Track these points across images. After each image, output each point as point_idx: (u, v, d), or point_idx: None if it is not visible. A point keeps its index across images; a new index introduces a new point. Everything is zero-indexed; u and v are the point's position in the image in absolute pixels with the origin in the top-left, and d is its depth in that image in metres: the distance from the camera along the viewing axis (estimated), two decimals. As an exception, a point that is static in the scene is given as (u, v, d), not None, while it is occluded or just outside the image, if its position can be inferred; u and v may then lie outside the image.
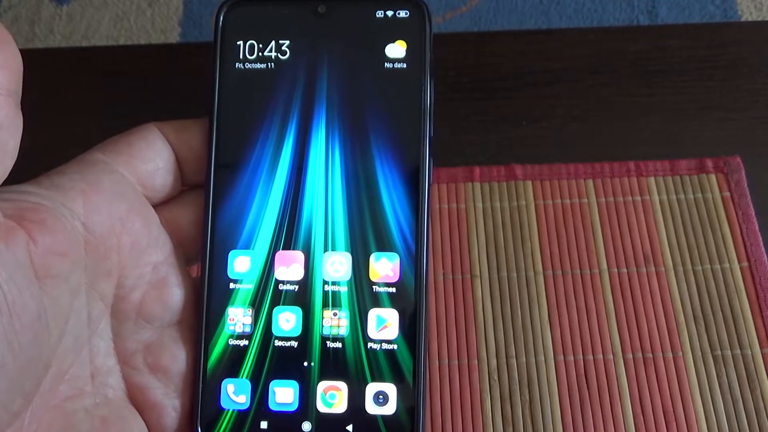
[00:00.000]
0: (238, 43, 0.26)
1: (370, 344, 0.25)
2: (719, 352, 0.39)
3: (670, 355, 0.39)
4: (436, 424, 0.38)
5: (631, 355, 0.39)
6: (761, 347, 0.39)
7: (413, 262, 0.25)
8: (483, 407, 0.38)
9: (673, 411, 0.38)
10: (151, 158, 0.24)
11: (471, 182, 0.44)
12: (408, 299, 0.25)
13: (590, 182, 0.44)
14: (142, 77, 0.50)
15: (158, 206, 0.25)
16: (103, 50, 0.67)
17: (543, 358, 0.40)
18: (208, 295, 0.25)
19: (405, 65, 0.25)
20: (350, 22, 0.26)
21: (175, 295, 0.25)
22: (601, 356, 0.40)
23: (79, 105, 0.49)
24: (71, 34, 1.09)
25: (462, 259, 0.42)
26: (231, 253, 0.25)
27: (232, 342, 0.25)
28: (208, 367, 0.25)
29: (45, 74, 0.49)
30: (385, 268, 0.25)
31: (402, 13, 0.26)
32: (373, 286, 0.25)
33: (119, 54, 0.57)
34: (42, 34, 1.09)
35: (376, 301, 0.25)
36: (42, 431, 0.21)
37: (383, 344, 0.25)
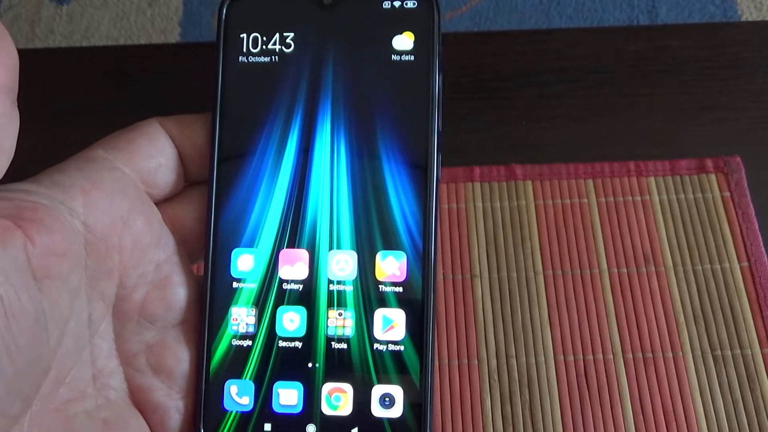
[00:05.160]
0: (241, 36, 0.25)
1: (376, 345, 0.24)
2: (719, 352, 0.39)
3: (670, 355, 0.39)
4: (437, 424, 0.38)
5: (631, 355, 0.39)
6: (761, 347, 0.39)
7: (421, 261, 0.24)
8: (483, 407, 0.38)
9: (673, 411, 0.38)
10: (153, 155, 0.24)
11: (471, 182, 0.44)
12: (415, 299, 0.24)
13: (590, 182, 0.44)
14: (142, 77, 0.50)
15: (160, 203, 0.25)
16: (103, 50, 0.67)
17: (543, 358, 0.39)
18: (210, 295, 0.25)
19: (412, 57, 0.25)
20: (356, 14, 0.25)
21: (178, 294, 0.24)
22: (601, 356, 0.40)
23: (79, 105, 0.49)
24: (71, 34, 1.09)
25: (462, 259, 0.42)
26: (234, 252, 0.25)
27: (235, 342, 0.25)
28: (211, 368, 0.24)
29: (45, 74, 0.49)
30: (391, 267, 0.24)
31: (409, 4, 0.25)
32: (380, 286, 0.24)
33: (119, 54, 0.57)
34: (42, 34, 1.09)
35: (383, 300, 0.24)
36: None
37: (389, 345, 0.24)
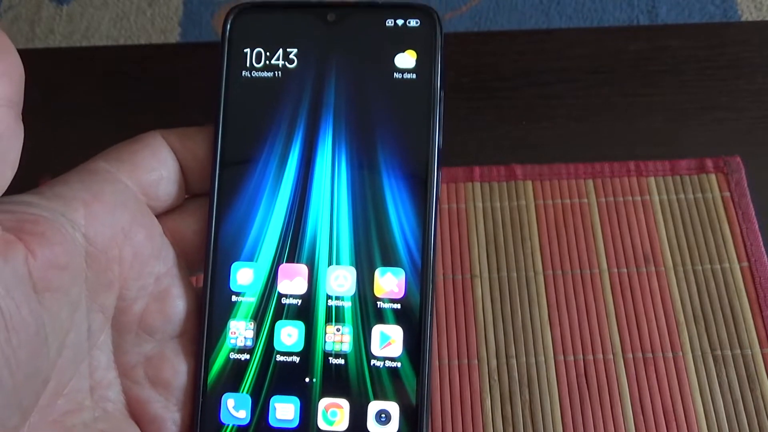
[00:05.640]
0: (245, 50, 0.25)
1: (373, 361, 0.24)
2: (719, 352, 0.39)
3: (670, 355, 0.39)
4: (436, 424, 0.38)
5: (631, 355, 0.39)
6: (761, 347, 0.39)
7: (419, 278, 0.24)
8: (483, 407, 0.38)
9: (673, 411, 0.38)
10: (155, 167, 0.24)
11: (471, 182, 0.44)
12: (413, 316, 0.24)
13: (590, 182, 0.44)
14: (142, 77, 0.50)
15: (161, 215, 0.25)
16: (103, 50, 0.67)
17: (543, 358, 0.40)
18: (209, 308, 0.25)
19: (414, 76, 0.25)
20: (359, 31, 0.25)
21: (178, 307, 0.24)
22: (601, 356, 0.40)
23: (79, 105, 0.49)
24: (71, 34, 1.09)
25: (462, 259, 0.42)
26: (234, 265, 0.25)
27: (233, 356, 0.25)
28: (209, 380, 0.24)
29: (45, 74, 0.49)
30: (390, 283, 0.24)
31: (412, 22, 0.25)
32: (378, 302, 0.24)
33: (119, 54, 0.57)
34: (42, 34, 1.09)
35: (381, 317, 0.24)
36: None
37: (386, 362, 0.24)
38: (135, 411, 0.24)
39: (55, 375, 0.21)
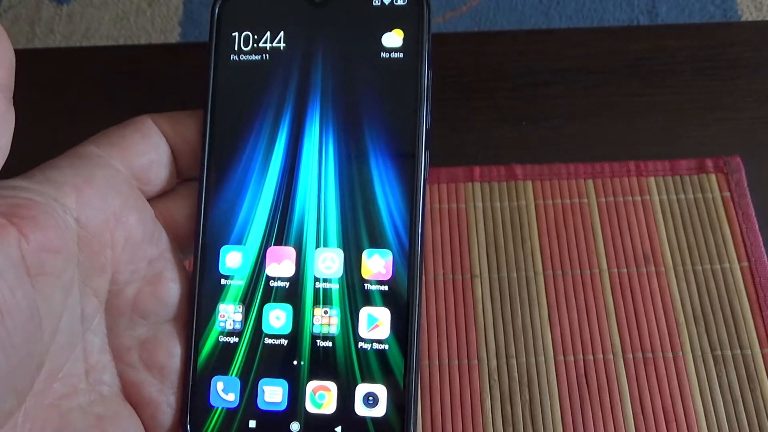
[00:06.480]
0: (233, 34, 0.26)
1: (360, 344, 0.24)
2: (719, 352, 0.39)
3: (670, 355, 0.39)
4: (436, 424, 0.38)
5: (631, 355, 0.39)
6: (761, 347, 0.39)
7: (407, 260, 0.24)
8: (483, 407, 0.38)
9: (673, 411, 0.38)
10: (145, 151, 0.24)
11: (471, 182, 0.44)
12: (401, 298, 0.24)
13: (590, 182, 0.44)
14: (142, 77, 0.50)
15: (153, 199, 0.25)
16: (103, 50, 0.67)
17: (543, 358, 0.40)
18: (199, 291, 0.25)
19: (402, 55, 0.25)
20: (347, 11, 0.25)
21: (171, 290, 0.24)
22: (601, 356, 0.40)
23: (79, 105, 0.49)
24: (71, 34, 1.09)
25: (462, 259, 0.42)
26: (222, 249, 0.25)
27: (222, 339, 0.25)
28: (198, 364, 0.24)
29: (45, 74, 0.49)
30: (377, 265, 0.24)
31: (399, 1, 0.25)
32: (365, 284, 0.24)
33: (119, 54, 0.57)
34: (42, 34, 1.09)
35: (368, 299, 0.24)
36: (36, 431, 0.21)
37: (374, 344, 0.24)
38: (130, 394, 0.24)
39: (49, 359, 0.21)
